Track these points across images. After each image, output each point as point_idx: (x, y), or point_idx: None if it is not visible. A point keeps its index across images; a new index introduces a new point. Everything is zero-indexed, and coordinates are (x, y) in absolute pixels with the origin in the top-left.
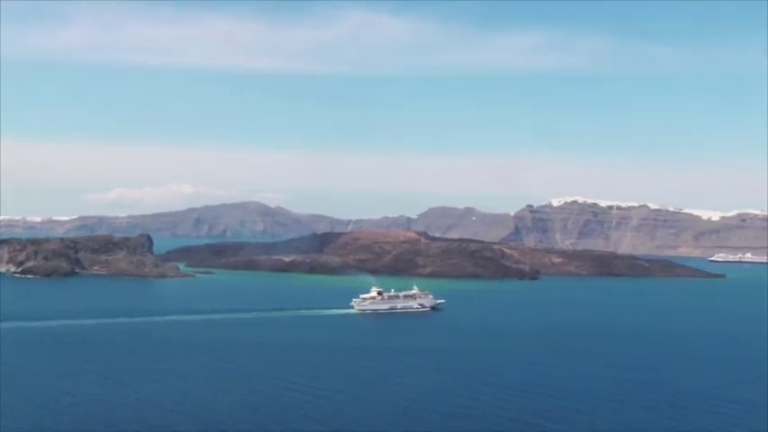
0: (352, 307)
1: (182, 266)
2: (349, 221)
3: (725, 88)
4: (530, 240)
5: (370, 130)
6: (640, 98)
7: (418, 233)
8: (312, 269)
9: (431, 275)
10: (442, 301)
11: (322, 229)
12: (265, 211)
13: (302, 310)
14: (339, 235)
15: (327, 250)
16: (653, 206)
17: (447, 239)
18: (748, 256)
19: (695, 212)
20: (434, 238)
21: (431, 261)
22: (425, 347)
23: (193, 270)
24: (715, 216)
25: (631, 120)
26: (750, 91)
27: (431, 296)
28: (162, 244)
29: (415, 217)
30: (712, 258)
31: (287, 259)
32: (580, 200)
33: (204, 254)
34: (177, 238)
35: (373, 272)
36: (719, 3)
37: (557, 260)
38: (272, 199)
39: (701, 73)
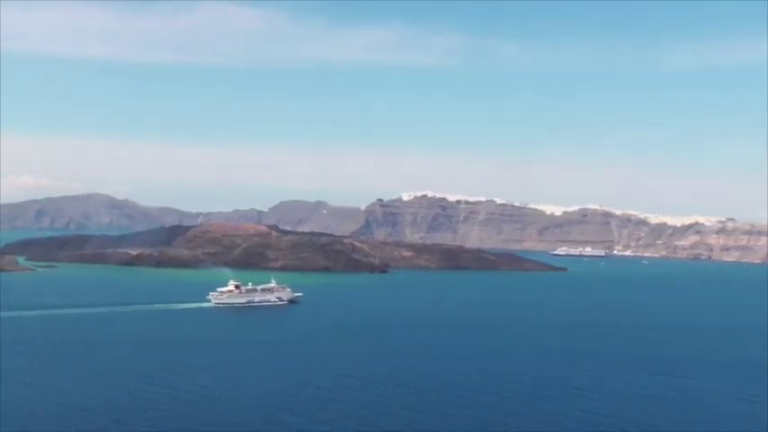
0: (208, 301)
1: (21, 260)
2: (199, 214)
3: (566, 86)
4: (380, 234)
5: (219, 122)
6: (488, 94)
7: (269, 226)
8: (160, 262)
9: (282, 269)
10: (300, 294)
11: (171, 222)
12: (112, 204)
13: (156, 305)
14: (188, 228)
15: (176, 243)
16: (499, 201)
17: (298, 233)
18: (588, 250)
19: (539, 207)
20: (285, 232)
21: (281, 254)
22: (284, 340)
23: (34, 264)
24: (558, 211)
25: (480, 115)
26: (584, 90)
27: (288, 289)
28: None
29: (266, 210)
30: (555, 252)
31: (134, 252)
32: (429, 194)
33: (46, 247)
34: (17, 230)
35: (210, 266)
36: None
37: (406, 254)
38: (118, 191)
39: (544, 70)
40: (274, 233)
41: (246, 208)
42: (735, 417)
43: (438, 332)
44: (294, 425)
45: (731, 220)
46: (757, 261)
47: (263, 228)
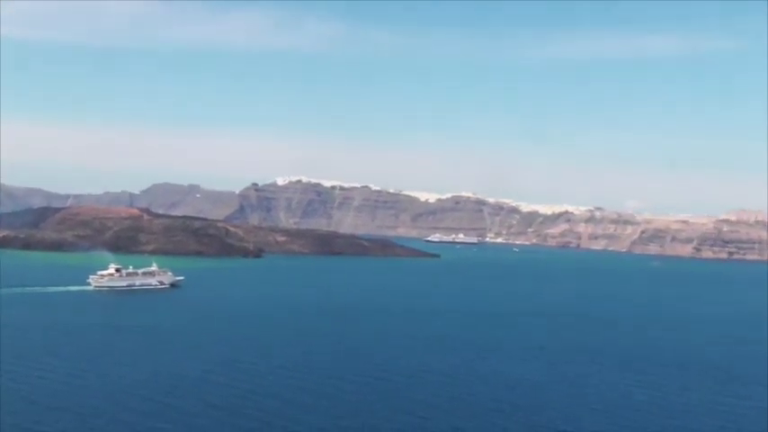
0: (88, 284)
1: None
2: (68, 196)
3: (436, 73)
4: (254, 219)
5: (89, 102)
6: (362, 80)
7: (141, 209)
8: (28, 245)
9: (154, 252)
10: (182, 278)
11: (38, 203)
12: None
13: (31, 288)
14: (57, 210)
15: (44, 226)
16: (374, 187)
17: (171, 216)
18: (461, 237)
19: (413, 194)
20: (158, 215)
21: (154, 238)
22: (166, 325)
23: None
24: (432, 198)
25: (356, 102)
26: (465, 80)
27: (170, 273)
28: None
29: (138, 193)
30: (428, 239)
31: None
32: (304, 179)
33: None
34: None
35: (88, 249)
36: None
37: (281, 239)
38: None
39: (415, 56)
40: (146, 216)
41: (118, 190)
42: (605, 401)
43: (313, 317)
44: (152, 412)
45: (599, 209)
46: (623, 249)
47: (134, 211)
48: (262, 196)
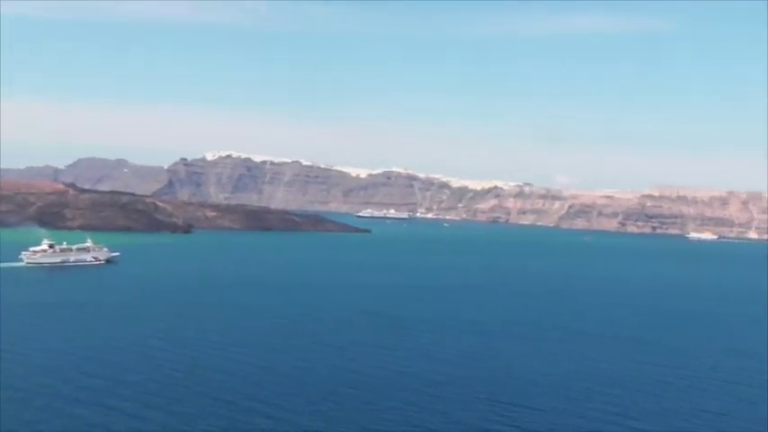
0: (20, 260)
1: None
2: None
3: (368, 48)
4: (183, 194)
5: (11, 75)
6: (293, 54)
7: (66, 184)
8: None
9: (80, 228)
10: (117, 254)
11: None
12: None
13: None
14: None
15: None
16: (305, 162)
17: (98, 191)
18: (392, 212)
19: (345, 170)
20: (84, 190)
21: (80, 214)
22: (102, 301)
23: None
24: (363, 173)
25: (286, 76)
26: (397, 56)
27: (105, 249)
28: None
29: (63, 168)
30: (360, 214)
31: None
32: (234, 154)
33: None
34: None
35: (17, 224)
36: None
37: (210, 214)
38: None
39: (347, 30)
40: (72, 191)
41: (41, 165)
42: (536, 371)
43: (246, 293)
44: (99, 388)
45: (528, 184)
46: (551, 224)
47: (59, 186)
48: (191, 171)
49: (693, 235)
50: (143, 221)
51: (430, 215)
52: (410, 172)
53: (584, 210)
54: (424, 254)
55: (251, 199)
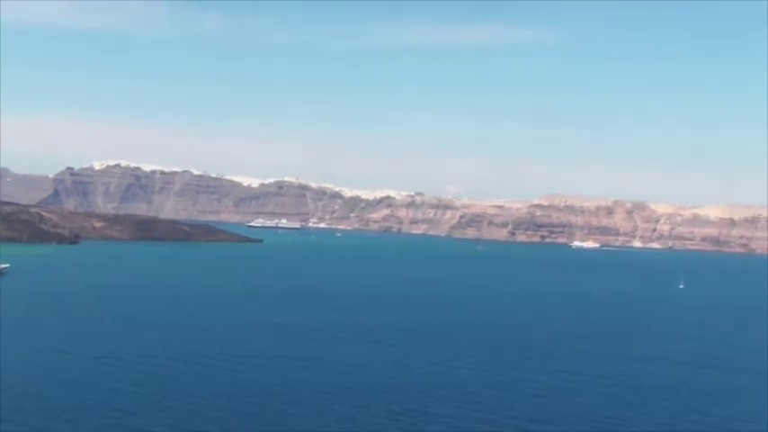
0: None
1: None
2: None
3: (264, 58)
4: (70, 204)
5: None
6: (183, 62)
7: None
8: None
9: None
10: (7, 265)
11: None
12: None
13: None
14: None
15: None
16: (196, 172)
17: None
18: (284, 222)
19: (236, 179)
20: None
21: None
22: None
23: None
24: (255, 183)
25: (171, 84)
26: (289, 64)
27: None
28: None
29: None
30: (251, 224)
31: None
32: (123, 163)
33: None
34: None
35: None
36: None
37: (98, 224)
38: None
39: (243, 36)
40: None
41: None
42: (427, 377)
43: (139, 304)
44: None
45: (420, 194)
46: (442, 234)
47: None
48: (78, 181)
49: (577, 243)
50: (27, 232)
51: (322, 225)
52: (302, 182)
53: (475, 219)
54: (316, 263)
55: (140, 209)
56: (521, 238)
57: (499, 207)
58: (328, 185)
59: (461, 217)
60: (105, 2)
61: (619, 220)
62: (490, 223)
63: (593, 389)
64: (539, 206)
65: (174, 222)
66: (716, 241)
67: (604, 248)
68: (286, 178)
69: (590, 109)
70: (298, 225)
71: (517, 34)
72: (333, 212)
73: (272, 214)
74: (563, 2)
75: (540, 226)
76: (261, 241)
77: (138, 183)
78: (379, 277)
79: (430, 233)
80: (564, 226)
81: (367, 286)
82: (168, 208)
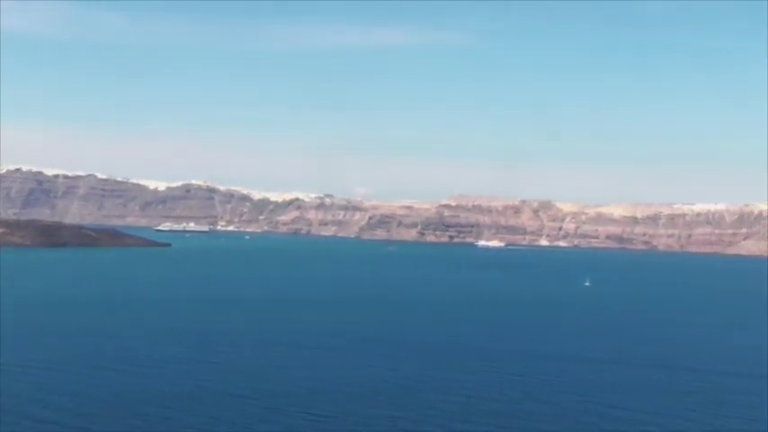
0: None
1: None
2: None
3: (170, 60)
4: None
5: None
6: (87, 64)
7: None
8: None
9: None
10: None
11: None
12: None
13: None
14: None
15: None
16: (101, 176)
17: None
18: (191, 225)
19: (142, 182)
20: None
21: None
22: None
23: None
24: (161, 186)
25: (74, 86)
26: (194, 67)
27: None
28: None
29: None
30: (158, 228)
31: None
32: (24, 168)
33: None
34: None
35: None
36: None
37: None
38: None
39: (154, 43)
40: None
41: None
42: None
43: (46, 312)
44: None
45: (329, 196)
46: (352, 235)
47: None
48: None
49: (482, 243)
50: None
51: (231, 228)
52: (210, 184)
53: (384, 220)
54: (223, 267)
55: (43, 214)
56: (430, 238)
57: (408, 208)
58: (237, 188)
59: (370, 218)
60: (6, 2)
61: (526, 220)
62: (399, 224)
63: (507, 386)
64: (447, 206)
65: (79, 227)
66: (620, 239)
67: (509, 247)
68: (193, 181)
69: (494, 110)
70: (206, 228)
71: (425, 35)
72: (241, 215)
73: (180, 218)
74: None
75: (448, 226)
76: (168, 245)
77: (40, 187)
78: (289, 280)
79: (339, 235)
80: (472, 226)
81: (277, 290)
82: (72, 213)
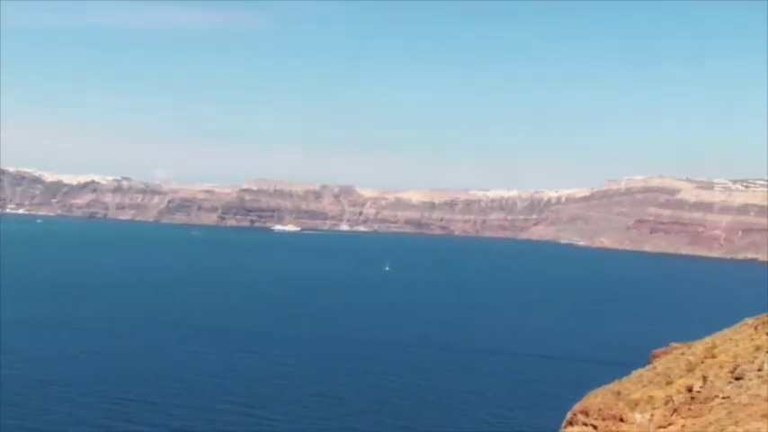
0: None
1: None
2: None
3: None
4: None
5: None
6: None
7: None
8: None
9: None
10: None
11: None
12: None
13: None
14: None
15: None
16: None
17: None
18: None
19: None
20: None
21: None
22: None
23: None
24: None
25: None
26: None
27: None
28: None
29: None
30: None
31: None
32: None
33: None
34: None
35: None
36: None
37: None
38: None
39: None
40: None
41: None
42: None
43: None
44: None
45: (126, 179)
46: (150, 219)
47: None
48: None
49: (278, 227)
50: None
51: (21, 211)
52: None
53: (184, 204)
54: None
55: None
56: (230, 222)
57: (209, 192)
58: (28, 169)
59: (170, 202)
60: None
61: (327, 204)
62: (200, 208)
63: (311, 369)
64: (248, 191)
65: None
66: (418, 224)
67: (305, 232)
68: None
69: (295, 96)
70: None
71: (230, 20)
72: (33, 198)
73: None
74: None
75: (249, 210)
76: None
77: None
78: (92, 266)
79: (137, 219)
80: (273, 210)
81: (77, 275)
82: None
